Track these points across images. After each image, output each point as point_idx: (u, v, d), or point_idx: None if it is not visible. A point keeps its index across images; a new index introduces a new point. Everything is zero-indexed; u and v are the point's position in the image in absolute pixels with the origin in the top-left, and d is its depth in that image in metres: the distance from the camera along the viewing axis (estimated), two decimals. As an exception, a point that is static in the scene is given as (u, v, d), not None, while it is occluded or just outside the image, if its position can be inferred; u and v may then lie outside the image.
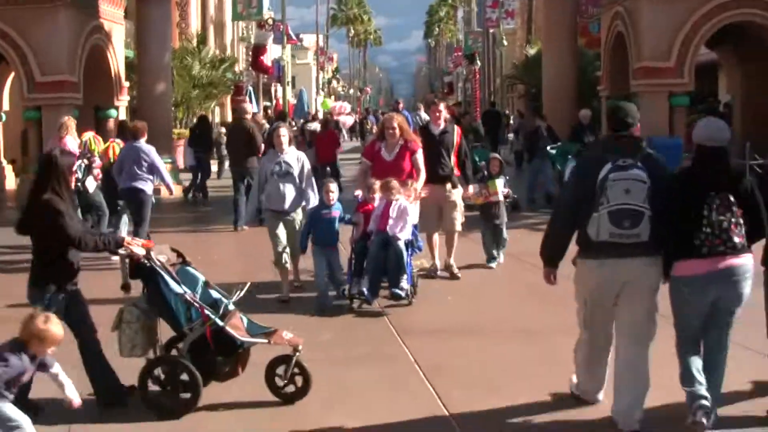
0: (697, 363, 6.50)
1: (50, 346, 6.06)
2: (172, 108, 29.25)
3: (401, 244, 10.50)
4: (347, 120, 53.17)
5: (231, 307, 7.28)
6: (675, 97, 21.74)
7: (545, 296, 9.07)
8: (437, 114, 12.45)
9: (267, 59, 45.91)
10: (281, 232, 11.16)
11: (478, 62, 67.21)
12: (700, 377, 6.41)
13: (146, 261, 7.06)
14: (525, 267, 12.48)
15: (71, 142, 15.59)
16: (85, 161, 14.93)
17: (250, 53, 48.42)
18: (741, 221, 6.28)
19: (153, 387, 7.26)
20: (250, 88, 45.79)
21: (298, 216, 11.25)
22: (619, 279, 6.47)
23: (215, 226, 18.91)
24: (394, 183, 10.68)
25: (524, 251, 12.48)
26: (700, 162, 6.51)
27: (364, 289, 10.45)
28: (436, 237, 12.47)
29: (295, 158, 11.25)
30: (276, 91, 62.54)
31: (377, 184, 10.91)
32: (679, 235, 6.38)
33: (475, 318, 10.39)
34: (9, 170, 26.36)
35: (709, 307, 6.44)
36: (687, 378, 6.47)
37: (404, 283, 10.50)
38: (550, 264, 6.86)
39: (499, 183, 12.91)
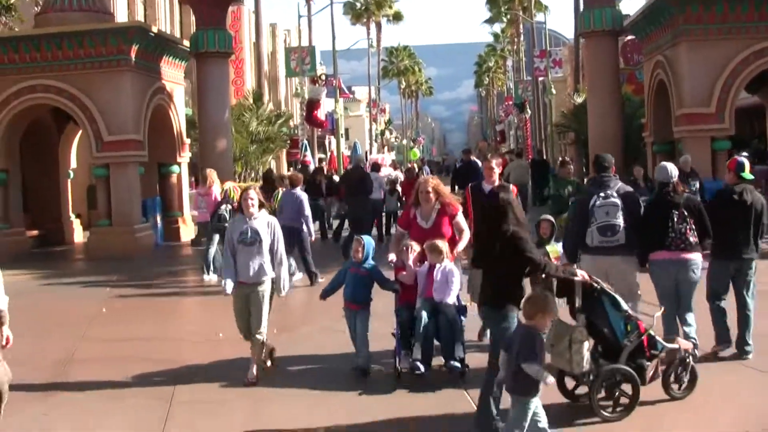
0: (671, 319, 9.65)
1: (551, 318, 7.26)
2: (232, 162, 30.20)
3: (452, 310, 9.61)
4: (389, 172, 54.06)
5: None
6: (717, 142, 22.21)
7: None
8: (490, 171, 11.45)
9: (321, 113, 46.87)
10: (244, 306, 9.96)
11: (529, 111, 68.08)
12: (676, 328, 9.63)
13: (596, 284, 8.31)
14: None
15: (217, 189, 18.52)
16: (229, 206, 17.29)
17: (304, 108, 49.43)
18: (693, 228, 9.61)
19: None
20: (306, 141, 46.77)
21: (266, 288, 9.93)
22: (603, 268, 9.37)
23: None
24: (441, 244, 9.74)
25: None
26: (662, 192, 9.88)
27: (418, 363, 9.28)
28: None
29: (265, 224, 9.99)
30: (330, 143, 63.79)
31: (413, 244, 9.89)
32: (655, 238, 9.61)
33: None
34: (77, 224, 27.53)
35: (674, 286, 9.68)
36: (667, 330, 9.50)
37: (460, 353, 9.42)
38: (571, 260, 9.93)
39: (560, 247, 10.93)
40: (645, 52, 26.50)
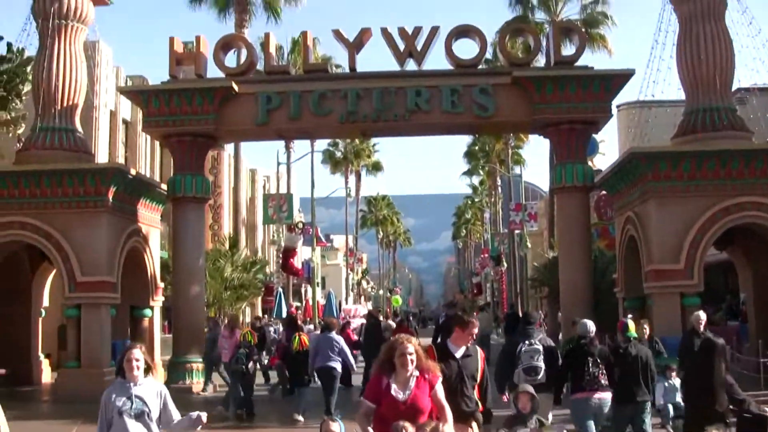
0: None
1: None
2: (204, 308, 30.09)
3: None
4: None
5: None
6: (686, 298, 22.20)
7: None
8: (471, 335, 9.72)
9: (297, 261, 47.04)
10: None
11: (504, 263, 68.53)
12: None
13: None
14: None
15: (238, 334, 20.73)
16: (246, 350, 19.39)
17: (281, 255, 49.59)
18: (604, 372, 12.29)
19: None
20: (280, 289, 46.76)
21: None
22: None
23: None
24: (447, 429, 7.82)
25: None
26: (580, 344, 12.75)
27: None
28: None
29: (155, 393, 8.24)
30: (306, 292, 63.78)
31: (407, 426, 7.53)
32: (574, 380, 12.35)
33: None
34: (45, 364, 27.22)
35: (591, 417, 12.21)
36: None
37: None
38: (501, 391, 12.68)
39: (559, 429, 10.54)
40: (616, 208, 26.93)
